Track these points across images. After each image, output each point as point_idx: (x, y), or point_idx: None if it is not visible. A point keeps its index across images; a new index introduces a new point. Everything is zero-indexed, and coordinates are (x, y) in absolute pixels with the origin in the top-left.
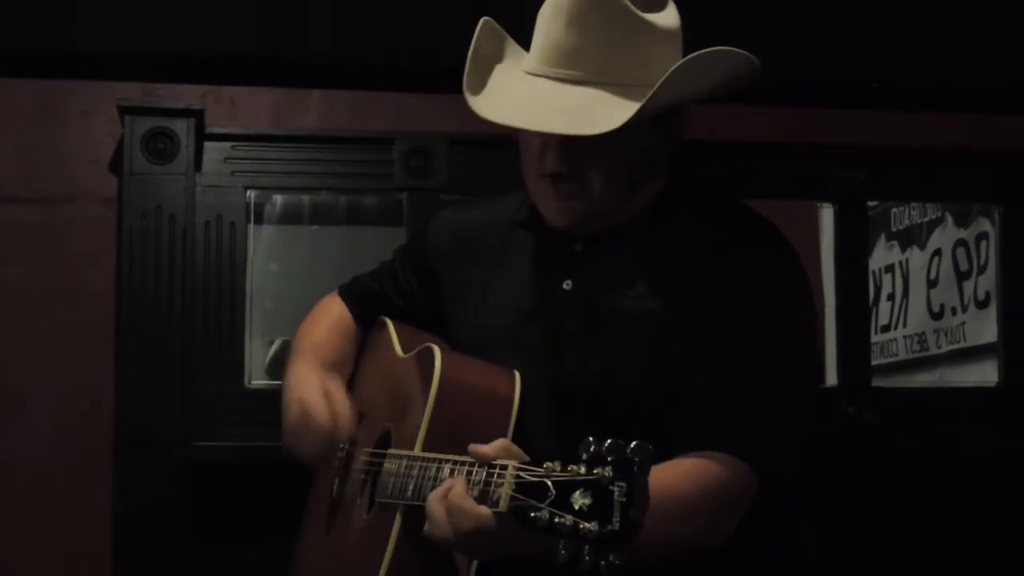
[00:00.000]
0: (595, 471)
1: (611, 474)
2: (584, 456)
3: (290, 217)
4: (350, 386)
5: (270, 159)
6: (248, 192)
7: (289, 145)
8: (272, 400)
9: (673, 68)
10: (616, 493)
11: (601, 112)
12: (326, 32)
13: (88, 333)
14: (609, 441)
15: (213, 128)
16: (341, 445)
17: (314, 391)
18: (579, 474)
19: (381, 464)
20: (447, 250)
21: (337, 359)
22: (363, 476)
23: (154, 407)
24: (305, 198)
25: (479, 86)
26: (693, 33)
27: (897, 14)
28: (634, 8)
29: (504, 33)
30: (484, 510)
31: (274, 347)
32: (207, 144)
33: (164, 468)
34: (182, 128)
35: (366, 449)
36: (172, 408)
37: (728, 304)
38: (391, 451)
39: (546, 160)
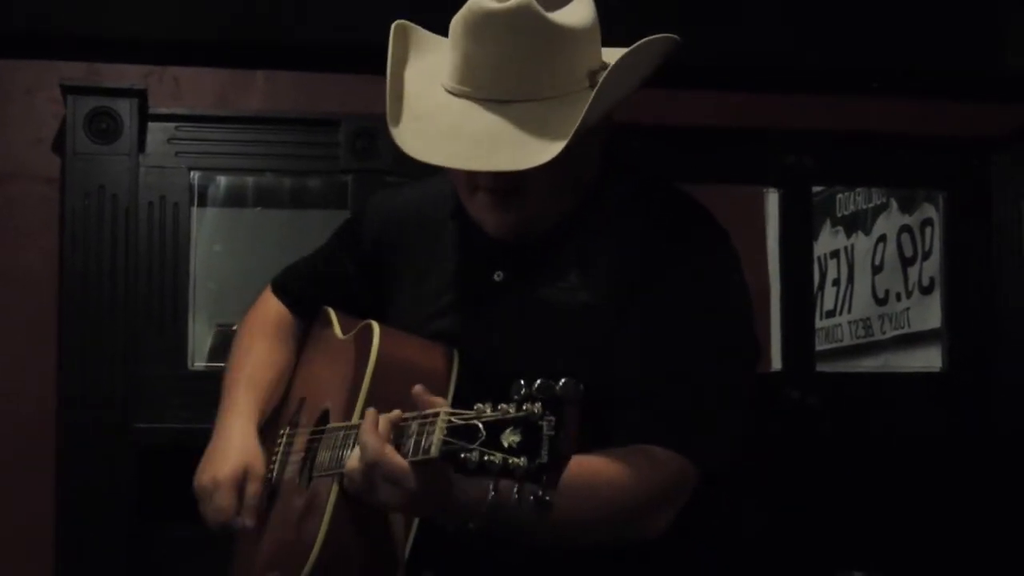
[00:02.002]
0: (524, 408)
1: (540, 410)
2: (515, 397)
3: (234, 199)
4: (292, 376)
5: (214, 140)
6: (192, 173)
7: (233, 126)
8: (215, 382)
9: (603, 79)
10: (545, 427)
11: (535, 136)
12: (271, 13)
13: (30, 313)
14: (539, 381)
15: (157, 109)
16: (281, 431)
17: (231, 473)
18: (509, 413)
19: (319, 442)
20: (381, 235)
21: (275, 374)
22: (301, 457)
23: (96, 389)
24: (249, 180)
25: (400, 109)
26: (638, 18)
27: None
28: (549, 17)
29: (416, 29)
30: (396, 456)
31: (211, 339)
32: (151, 125)
33: (106, 450)
34: (125, 108)
35: (305, 430)
36: (114, 390)
37: (661, 295)
38: (328, 427)
39: (477, 177)
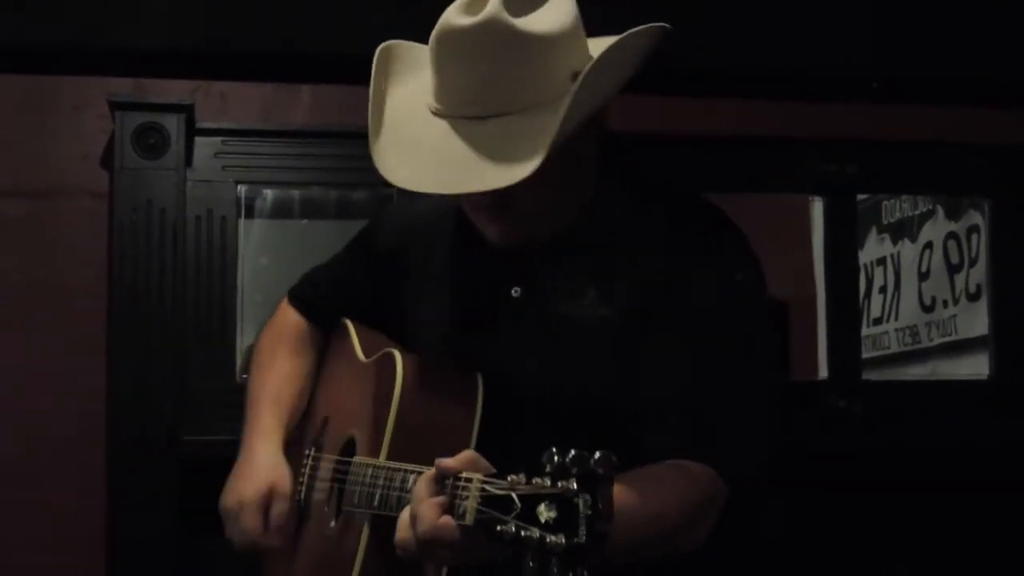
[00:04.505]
0: (559, 484)
1: (576, 486)
2: (548, 468)
3: (281, 211)
4: (315, 390)
5: (260, 154)
6: (239, 187)
7: (279, 140)
8: None
9: (579, 82)
10: (581, 505)
11: (513, 151)
12: (316, 26)
13: (79, 328)
14: (573, 452)
15: (203, 123)
16: (306, 452)
17: (256, 493)
18: (544, 487)
19: (346, 472)
20: (396, 246)
21: (298, 388)
22: (329, 484)
23: (145, 402)
24: (296, 192)
25: (381, 136)
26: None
27: (889, 5)
28: (519, 26)
29: (410, 48)
30: (450, 522)
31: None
32: (197, 139)
33: (155, 462)
34: (172, 123)
35: (331, 456)
36: (163, 403)
37: (683, 307)
38: (356, 459)
39: (470, 195)
